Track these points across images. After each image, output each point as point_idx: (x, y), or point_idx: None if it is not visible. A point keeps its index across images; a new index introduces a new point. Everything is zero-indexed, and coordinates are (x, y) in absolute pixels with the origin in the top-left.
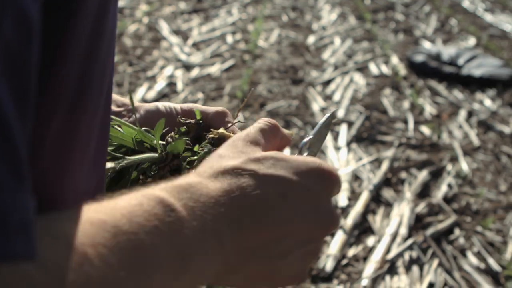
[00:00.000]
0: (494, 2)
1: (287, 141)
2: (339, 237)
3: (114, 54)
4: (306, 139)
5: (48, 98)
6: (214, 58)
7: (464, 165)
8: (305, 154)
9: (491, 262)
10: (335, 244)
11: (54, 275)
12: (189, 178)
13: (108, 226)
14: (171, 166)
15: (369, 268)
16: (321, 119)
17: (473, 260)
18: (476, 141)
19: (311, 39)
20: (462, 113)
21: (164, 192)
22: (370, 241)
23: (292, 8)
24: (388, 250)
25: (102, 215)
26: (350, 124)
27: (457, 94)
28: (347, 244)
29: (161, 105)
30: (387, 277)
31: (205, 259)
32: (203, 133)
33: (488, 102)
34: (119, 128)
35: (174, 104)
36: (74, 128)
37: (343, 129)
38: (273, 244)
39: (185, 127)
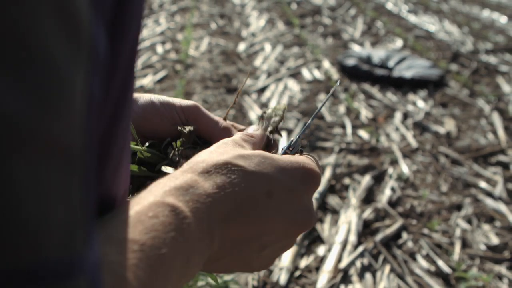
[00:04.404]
0: (416, 3)
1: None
2: (290, 248)
3: None
4: (295, 140)
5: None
6: (145, 69)
7: (405, 168)
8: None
9: (441, 264)
10: (286, 256)
11: None
12: (186, 177)
13: (136, 245)
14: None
15: (323, 279)
16: (329, 94)
17: (423, 263)
18: (413, 143)
19: (241, 47)
20: (398, 115)
21: (171, 197)
22: (321, 250)
23: (220, 16)
24: (339, 259)
25: (128, 233)
26: (289, 132)
27: (391, 97)
28: (298, 255)
29: (158, 101)
30: (342, 287)
31: (200, 257)
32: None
33: (421, 103)
34: None
35: (172, 100)
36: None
37: (282, 137)
38: (253, 239)
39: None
